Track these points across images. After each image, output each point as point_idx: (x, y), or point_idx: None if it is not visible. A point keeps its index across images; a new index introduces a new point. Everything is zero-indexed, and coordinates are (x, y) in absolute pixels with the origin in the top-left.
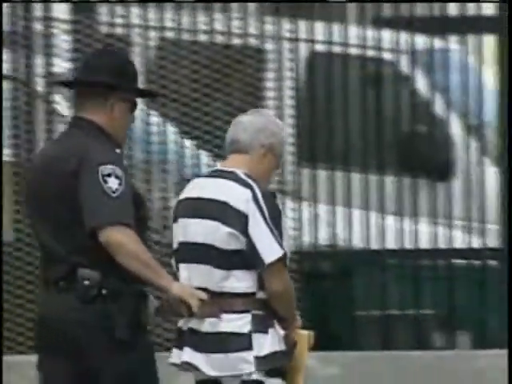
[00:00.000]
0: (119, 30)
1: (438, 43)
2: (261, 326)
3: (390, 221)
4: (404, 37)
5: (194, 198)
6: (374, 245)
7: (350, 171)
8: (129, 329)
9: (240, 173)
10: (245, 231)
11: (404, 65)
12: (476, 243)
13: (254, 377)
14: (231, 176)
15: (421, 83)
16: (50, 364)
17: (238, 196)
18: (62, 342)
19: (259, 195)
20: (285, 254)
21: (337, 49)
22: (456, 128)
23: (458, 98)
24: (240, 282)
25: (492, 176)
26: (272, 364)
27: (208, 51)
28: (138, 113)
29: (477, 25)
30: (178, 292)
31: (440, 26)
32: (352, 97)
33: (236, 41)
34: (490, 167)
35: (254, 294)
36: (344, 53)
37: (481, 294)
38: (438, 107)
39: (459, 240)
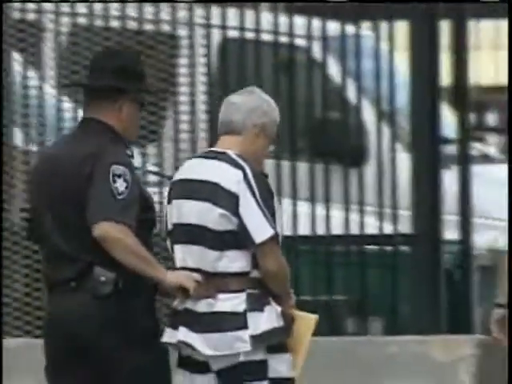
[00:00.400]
0: (31, 16)
1: (350, 29)
2: (256, 304)
3: (303, 207)
4: (316, 23)
5: (187, 179)
6: (287, 231)
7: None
8: (145, 324)
9: (232, 154)
10: (236, 212)
11: (316, 51)
12: (388, 229)
13: (255, 357)
14: (223, 157)
15: (333, 69)
16: (63, 366)
17: (229, 177)
18: (77, 342)
19: (250, 176)
20: (276, 234)
21: (249, 35)
22: (368, 114)
23: (370, 84)
24: (234, 261)
25: (404, 162)
26: (269, 341)
27: (120, 37)
28: (50, 99)
29: (388, 11)
30: (174, 279)
31: (352, 13)
32: (264, 83)
33: (148, 27)
34: (401, 153)
35: (248, 273)
36: (256, 39)
37: (393, 280)
38: (351, 93)
39: (371, 226)
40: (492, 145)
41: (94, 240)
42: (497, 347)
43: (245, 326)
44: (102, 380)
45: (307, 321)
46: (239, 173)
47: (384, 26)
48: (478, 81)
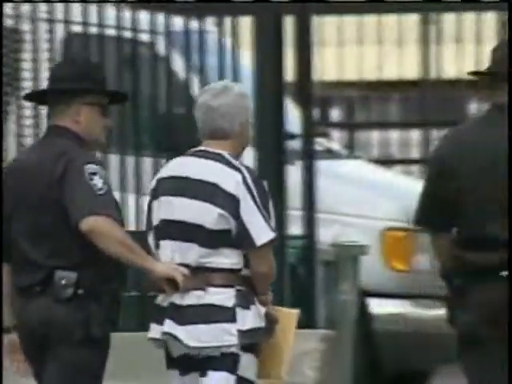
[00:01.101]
0: None
1: (194, 25)
2: (244, 301)
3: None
4: (160, 18)
5: (179, 176)
6: (131, 226)
7: (107, 153)
8: (103, 327)
9: (227, 155)
10: (235, 213)
11: (161, 46)
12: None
13: (233, 350)
14: (219, 158)
15: (177, 65)
16: (37, 367)
17: (228, 179)
18: (42, 344)
19: (249, 179)
20: (275, 237)
21: (93, 30)
22: None
23: (214, 79)
24: (227, 258)
25: (249, 157)
26: (253, 339)
27: None
28: None
29: (233, 6)
30: (163, 270)
31: (196, 8)
32: (109, 78)
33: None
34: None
35: (239, 270)
36: (100, 34)
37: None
38: (195, 89)
39: None
40: (336, 140)
41: (62, 243)
42: (340, 341)
43: (233, 320)
44: (63, 375)
45: (289, 316)
46: (238, 175)
47: (228, 21)
48: (321, 76)
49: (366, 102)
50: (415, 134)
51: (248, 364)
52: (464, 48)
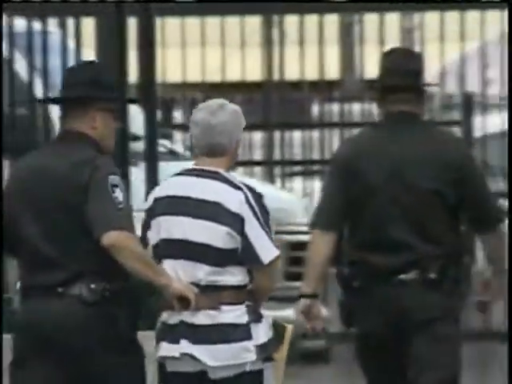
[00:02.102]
0: None
1: (37, 26)
2: (254, 315)
3: None
4: (3, 19)
5: (178, 196)
6: None
7: None
8: (131, 331)
9: (225, 174)
10: (241, 232)
11: (3, 47)
12: None
13: (256, 367)
14: (218, 177)
15: (20, 66)
16: (41, 371)
17: (231, 198)
18: (62, 348)
19: (251, 198)
20: (279, 254)
21: None
22: (56, 110)
23: (57, 80)
24: (234, 276)
25: None
26: (268, 351)
27: None
28: None
29: (75, 8)
30: (178, 287)
31: (40, 10)
32: None
33: None
34: None
35: (245, 286)
36: None
37: None
38: (38, 89)
39: None
40: (179, 142)
41: (87, 248)
42: None
43: (249, 337)
44: (76, 381)
45: (288, 330)
46: (240, 194)
47: (71, 22)
48: (164, 78)
49: None
50: (258, 136)
51: (268, 375)
52: (306, 50)
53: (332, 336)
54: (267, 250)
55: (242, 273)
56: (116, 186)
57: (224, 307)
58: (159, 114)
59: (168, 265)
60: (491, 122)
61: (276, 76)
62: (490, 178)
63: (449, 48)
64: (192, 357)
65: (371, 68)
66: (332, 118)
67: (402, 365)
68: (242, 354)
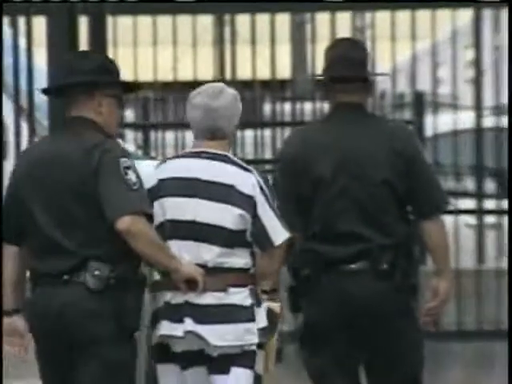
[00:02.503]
0: None
1: None
2: (256, 299)
3: None
4: None
5: (185, 178)
6: None
7: None
8: (136, 317)
9: (232, 156)
10: (253, 214)
11: None
12: None
13: (253, 348)
14: (227, 159)
15: None
16: (54, 357)
17: (243, 181)
18: (66, 332)
19: (261, 180)
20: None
21: None
22: (7, 110)
23: (9, 80)
24: (241, 258)
25: None
26: (265, 336)
27: None
28: None
29: (27, 6)
30: (188, 270)
31: None
32: None
33: None
34: None
35: (249, 269)
36: None
37: None
38: None
39: None
40: (131, 141)
41: (96, 234)
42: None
43: (253, 319)
44: (97, 367)
45: (275, 316)
46: (252, 176)
47: (22, 21)
48: None
49: (162, 102)
50: None
51: (259, 359)
52: (258, 49)
53: (285, 335)
54: (278, 232)
55: (247, 255)
56: (128, 167)
57: (231, 289)
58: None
59: (173, 246)
60: (442, 121)
61: (228, 75)
62: (441, 177)
63: (400, 47)
64: (196, 335)
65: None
66: (284, 117)
67: (348, 355)
68: (245, 336)
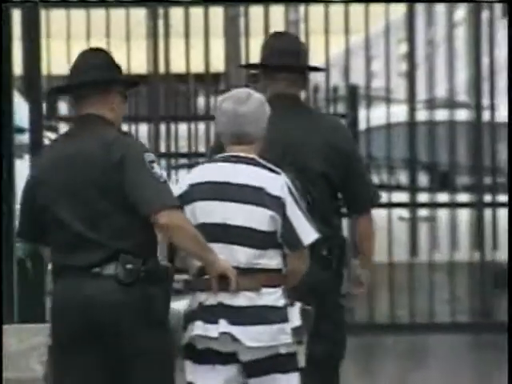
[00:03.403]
0: None
1: None
2: (288, 300)
3: None
4: None
5: (217, 182)
6: None
7: None
8: (165, 308)
9: (261, 160)
10: (283, 215)
11: None
12: None
13: (291, 349)
14: (255, 163)
15: None
16: (78, 351)
17: (271, 182)
18: (97, 326)
19: (289, 182)
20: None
21: None
22: None
23: None
24: (273, 259)
25: None
26: (300, 335)
27: None
28: None
29: None
30: (223, 266)
31: None
32: None
33: None
34: None
35: (281, 270)
36: None
37: None
38: None
39: None
40: None
41: (124, 227)
42: None
43: (286, 320)
44: (118, 362)
45: (309, 315)
46: (280, 179)
47: None
48: (50, 70)
49: None
50: (144, 128)
51: (300, 354)
52: (192, 42)
53: None
54: (307, 233)
55: (279, 256)
56: (153, 161)
57: (263, 290)
58: (44, 107)
59: None
60: (376, 115)
61: (162, 68)
62: (374, 170)
63: (334, 41)
64: (231, 336)
65: (256, 60)
66: None
67: None
68: (278, 336)
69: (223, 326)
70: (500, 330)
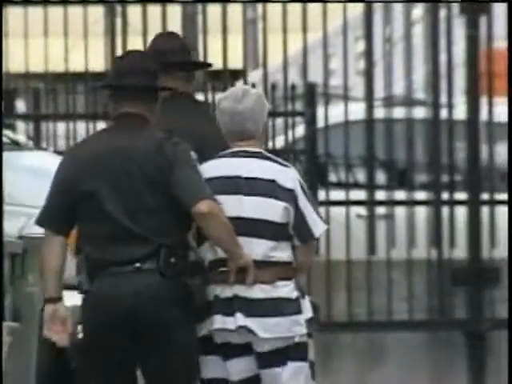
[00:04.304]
0: None
1: None
2: (300, 292)
3: None
4: None
5: (229, 176)
6: None
7: None
8: (205, 301)
9: (267, 153)
10: (295, 207)
11: None
12: None
13: (303, 340)
14: (264, 156)
15: None
16: (112, 341)
17: (283, 175)
18: (139, 318)
19: (297, 174)
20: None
21: None
22: None
23: None
24: (285, 251)
25: None
26: (312, 327)
27: None
28: None
29: None
30: (247, 260)
31: None
32: None
33: None
34: None
35: (291, 262)
36: None
37: None
38: None
39: None
40: (21, 132)
41: (168, 223)
42: (26, 333)
43: (300, 311)
44: (152, 351)
45: (317, 308)
46: (290, 171)
47: None
48: (7, 68)
49: (53, 93)
50: (101, 126)
51: (310, 347)
52: (149, 40)
53: None
54: (317, 224)
55: (289, 248)
56: (194, 159)
57: (278, 282)
58: (2, 104)
59: None
60: (334, 113)
61: None
62: (332, 168)
63: (292, 39)
64: (247, 329)
65: (214, 59)
66: None
67: None
68: (293, 327)
69: (240, 319)
70: (457, 327)
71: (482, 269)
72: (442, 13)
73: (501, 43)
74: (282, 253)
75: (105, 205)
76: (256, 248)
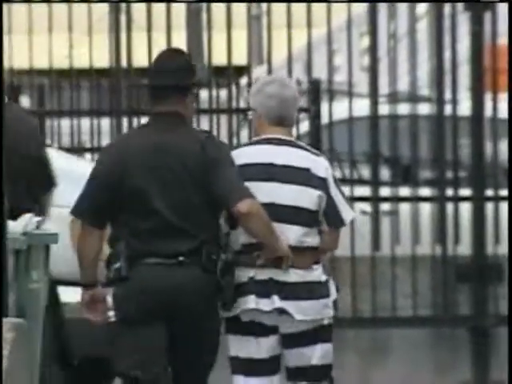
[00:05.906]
0: None
1: None
2: (327, 275)
3: None
4: None
5: (263, 163)
6: None
7: None
8: (231, 298)
9: (298, 142)
10: (327, 195)
11: None
12: None
13: (331, 321)
14: (297, 145)
15: None
16: (156, 330)
17: (316, 163)
18: (179, 308)
19: (328, 163)
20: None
21: None
22: None
23: None
24: (313, 237)
25: None
26: (337, 309)
27: None
28: None
29: None
30: (285, 251)
31: None
32: None
33: None
34: None
35: (318, 247)
36: None
37: None
38: None
39: None
40: None
41: (208, 220)
42: (30, 329)
43: (328, 294)
44: (203, 335)
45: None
46: (323, 160)
47: None
48: (12, 64)
49: (57, 89)
50: (106, 122)
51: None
52: (154, 37)
53: None
54: (347, 211)
55: (318, 234)
56: (233, 160)
57: (311, 266)
58: (4, 100)
59: None
60: (338, 109)
61: (124, 62)
62: (336, 164)
63: (296, 35)
64: (283, 311)
65: (219, 55)
66: None
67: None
68: (323, 310)
69: (276, 301)
70: (461, 324)
71: (486, 265)
72: (447, 9)
73: (505, 40)
74: (313, 238)
75: (152, 201)
76: (289, 234)
